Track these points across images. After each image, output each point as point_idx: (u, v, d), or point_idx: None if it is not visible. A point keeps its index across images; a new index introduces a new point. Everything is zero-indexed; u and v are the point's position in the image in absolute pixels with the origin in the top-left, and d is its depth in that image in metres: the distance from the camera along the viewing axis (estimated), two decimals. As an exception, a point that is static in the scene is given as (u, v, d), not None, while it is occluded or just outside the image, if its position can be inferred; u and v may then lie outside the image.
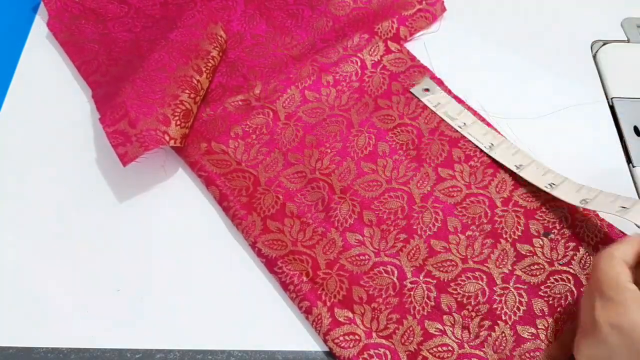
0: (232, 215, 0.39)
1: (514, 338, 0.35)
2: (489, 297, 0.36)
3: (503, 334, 0.35)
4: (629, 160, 0.43)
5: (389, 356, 0.34)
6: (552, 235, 0.38)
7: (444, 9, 0.50)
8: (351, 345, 0.34)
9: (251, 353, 0.34)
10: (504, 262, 0.37)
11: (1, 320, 0.35)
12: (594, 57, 0.49)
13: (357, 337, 0.34)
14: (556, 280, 0.36)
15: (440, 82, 0.46)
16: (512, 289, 0.36)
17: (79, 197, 0.40)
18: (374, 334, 0.35)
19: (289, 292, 0.36)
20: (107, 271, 0.37)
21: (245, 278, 0.37)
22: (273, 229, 0.38)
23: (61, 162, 0.41)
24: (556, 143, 0.44)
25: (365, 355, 0.34)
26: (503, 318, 0.35)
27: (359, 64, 0.46)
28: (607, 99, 0.46)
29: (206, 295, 0.36)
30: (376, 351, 0.34)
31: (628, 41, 0.50)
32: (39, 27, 0.48)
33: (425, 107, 0.44)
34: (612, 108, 0.46)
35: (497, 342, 0.35)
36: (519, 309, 0.36)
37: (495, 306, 0.36)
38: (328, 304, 0.35)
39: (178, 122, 0.40)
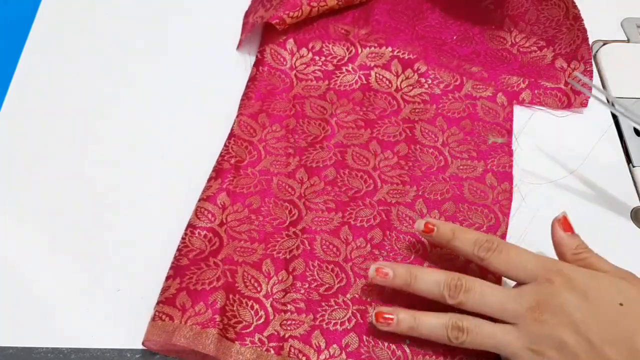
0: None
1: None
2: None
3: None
4: (629, 160, 0.43)
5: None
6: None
7: (584, 105, 0.45)
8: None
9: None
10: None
11: (1, 320, 0.35)
12: (594, 57, 0.49)
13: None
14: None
15: (510, 153, 0.42)
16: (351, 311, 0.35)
17: (79, 197, 0.40)
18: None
19: (178, 253, 0.36)
20: (107, 271, 0.37)
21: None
22: (219, 204, 0.38)
23: (61, 162, 0.41)
24: (556, 143, 0.44)
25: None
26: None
27: (457, 82, 0.45)
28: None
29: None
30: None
31: (628, 41, 0.50)
32: (40, 27, 0.48)
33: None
34: (612, 108, 0.46)
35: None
36: (342, 323, 0.35)
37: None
38: (183, 285, 0.34)
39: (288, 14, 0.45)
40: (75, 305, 0.35)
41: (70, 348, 0.34)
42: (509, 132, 0.43)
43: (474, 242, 0.33)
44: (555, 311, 0.29)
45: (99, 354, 0.34)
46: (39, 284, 0.36)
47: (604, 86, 0.47)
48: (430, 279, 0.32)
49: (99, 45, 0.47)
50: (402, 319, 0.32)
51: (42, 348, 0.34)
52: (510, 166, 0.42)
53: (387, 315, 0.32)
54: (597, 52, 0.49)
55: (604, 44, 0.49)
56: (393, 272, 0.33)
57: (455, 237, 0.34)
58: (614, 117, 0.45)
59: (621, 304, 0.29)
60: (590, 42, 0.48)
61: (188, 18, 0.49)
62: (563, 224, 0.34)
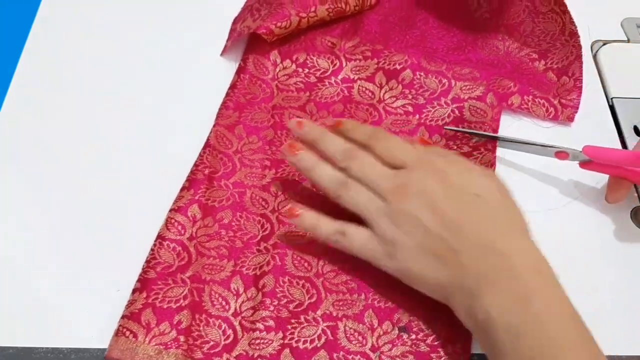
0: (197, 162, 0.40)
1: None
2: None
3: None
4: (629, 160, 0.43)
5: None
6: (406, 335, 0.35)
7: (570, 119, 0.44)
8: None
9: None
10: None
11: (1, 320, 0.35)
12: (594, 57, 0.49)
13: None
14: None
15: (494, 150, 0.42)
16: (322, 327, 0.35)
17: (79, 197, 0.40)
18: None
19: (147, 265, 0.35)
20: (107, 271, 0.37)
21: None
22: (190, 216, 0.37)
23: (61, 162, 0.41)
24: (556, 142, 0.44)
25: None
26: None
27: (444, 87, 0.45)
28: (607, 99, 0.46)
29: (206, 295, 0.36)
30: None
31: (628, 41, 0.50)
32: (40, 27, 0.48)
33: None
34: (612, 108, 0.46)
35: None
36: (312, 341, 0.34)
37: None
38: (150, 300, 0.34)
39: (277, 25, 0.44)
40: (75, 305, 0.35)
41: (70, 348, 0.34)
42: (495, 131, 0.43)
43: (366, 133, 0.37)
44: (419, 192, 0.34)
45: (99, 354, 0.34)
46: (39, 284, 0.36)
47: (603, 86, 0.47)
48: (334, 142, 0.37)
49: (98, 46, 0.47)
50: (307, 216, 0.36)
51: (42, 348, 0.34)
52: (493, 164, 0.41)
53: (295, 211, 0.36)
54: (597, 52, 0.49)
55: (604, 44, 0.49)
56: (309, 127, 0.38)
57: (353, 128, 0.38)
58: (614, 117, 0.45)
59: (477, 194, 0.34)
60: (589, 43, 0.48)
61: (180, 20, 0.49)
62: (421, 141, 0.40)
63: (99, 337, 0.34)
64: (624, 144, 0.44)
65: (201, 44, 0.47)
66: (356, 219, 0.35)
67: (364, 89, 0.45)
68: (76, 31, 0.48)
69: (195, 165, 0.40)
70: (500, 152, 0.43)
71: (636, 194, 0.42)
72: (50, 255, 0.37)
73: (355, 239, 0.35)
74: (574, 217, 0.41)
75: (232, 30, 0.48)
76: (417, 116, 0.44)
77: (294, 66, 0.46)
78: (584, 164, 0.39)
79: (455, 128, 0.43)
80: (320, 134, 0.38)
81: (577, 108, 0.44)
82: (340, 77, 0.45)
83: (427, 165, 0.35)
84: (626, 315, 0.37)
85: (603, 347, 0.36)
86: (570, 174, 0.42)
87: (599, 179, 0.42)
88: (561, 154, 0.39)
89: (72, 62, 0.46)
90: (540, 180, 0.42)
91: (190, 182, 0.39)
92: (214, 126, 0.42)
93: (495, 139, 0.42)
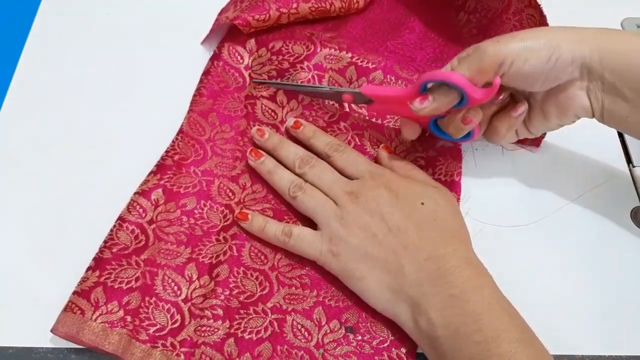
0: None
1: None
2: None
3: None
4: (629, 160, 0.43)
5: None
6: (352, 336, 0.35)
7: (536, 145, 0.43)
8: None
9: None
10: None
11: (1, 320, 0.35)
12: (594, 57, 0.49)
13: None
14: None
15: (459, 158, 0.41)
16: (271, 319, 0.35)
17: (79, 197, 0.40)
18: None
19: (104, 245, 0.36)
20: (107, 271, 0.37)
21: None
22: (153, 200, 0.37)
23: (61, 162, 0.41)
24: (556, 143, 0.44)
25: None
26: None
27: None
28: (607, 99, 0.46)
29: (206, 295, 0.36)
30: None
31: (628, 41, 0.50)
32: (40, 27, 0.48)
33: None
34: (612, 108, 0.46)
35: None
36: (257, 332, 0.35)
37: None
38: (102, 280, 0.34)
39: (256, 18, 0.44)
40: (75, 305, 0.35)
41: (70, 348, 0.34)
42: (458, 155, 0.41)
43: (327, 143, 0.40)
44: (369, 199, 0.36)
45: (100, 354, 0.34)
46: (39, 284, 0.36)
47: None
48: (290, 150, 0.40)
49: (98, 45, 0.47)
50: (256, 219, 0.38)
51: (42, 348, 0.34)
52: (459, 173, 0.40)
53: (244, 212, 0.38)
54: (597, 52, 0.49)
55: (604, 44, 0.49)
56: (268, 134, 0.41)
57: (315, 136, 0.41)
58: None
59: (422, 203, 0.35)
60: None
61: (177, 16, 0.49)
62: (386, 149, 0.41)
63: (99, 337, 0.34)
64: (624, 144, 0.44)
65: (191, 31, 0.47)
66: (309, 223, 0.38)
67: (334, 81, 0.45)
68: (76, 31, 0.48)
69: (166, 151, 0.40)
70: (503, 160, 0.43)
71: (636, 194, 0.42)
72: (50, 255, 0.37)
73: (302, 238, 0.36)
74: (573, 218, 0.41)
75: (215, 21, 0.48)
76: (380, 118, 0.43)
77: (268, 54, 0.45)
78: (371, 107, 0.41)
79: (263, 80, 0.44)
80: (278, 142, 0.40)
81: (544, 134, 0.42)
82: (313, 62, 0.45)
83: (379, 178, 0.37)
84: (627, 314, 0.37)
85: (603, 347, 0.36)
86: (569, 176, 0.42)
87: (598, 182, 0.42)
88: (347, 96, 0.41)
89: (72, 62, 0.46)
90: (540, 183, 0.42)
91: (158, 167, 0.39)
92: (188, 112, 0.42)
93: (288, 87, 0.43)
